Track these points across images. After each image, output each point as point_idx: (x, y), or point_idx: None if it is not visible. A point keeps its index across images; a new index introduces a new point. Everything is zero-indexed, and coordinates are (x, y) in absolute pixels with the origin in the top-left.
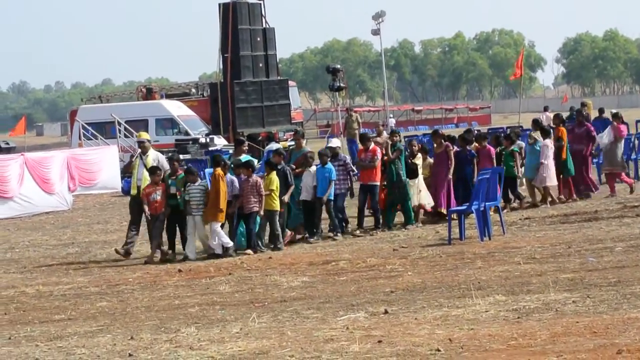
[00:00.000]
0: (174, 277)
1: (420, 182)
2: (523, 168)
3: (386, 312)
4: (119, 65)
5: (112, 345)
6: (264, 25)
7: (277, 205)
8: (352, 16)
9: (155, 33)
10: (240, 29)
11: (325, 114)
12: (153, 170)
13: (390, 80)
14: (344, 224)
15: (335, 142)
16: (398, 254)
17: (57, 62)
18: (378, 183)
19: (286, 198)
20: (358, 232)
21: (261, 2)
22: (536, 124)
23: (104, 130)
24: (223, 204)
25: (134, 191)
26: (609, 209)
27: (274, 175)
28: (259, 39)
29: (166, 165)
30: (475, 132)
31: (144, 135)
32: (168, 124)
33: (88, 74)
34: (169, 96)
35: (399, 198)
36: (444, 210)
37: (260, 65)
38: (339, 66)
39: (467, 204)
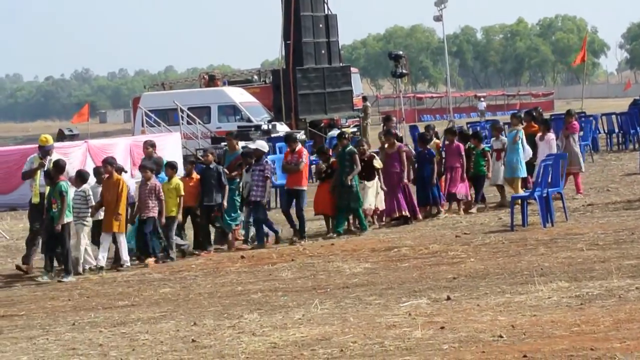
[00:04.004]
0: (236, 263)
1: (377, 184)
2: (502, 167)
3: (449, 298)
4: (181, 52)
5: (176, 331)
6: (326, 12)
7: (175, 212)
8: (414, 2)
9: (217, 20)
10: (303, 16)
11: (387, 101)
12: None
13: (452, 66)
14: (268, 234)
15: (259, 144)
16: (460, 241)
17: (120, 49)
18: (305, 187)
19: (225, 202)
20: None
21: None
22: (516, 117)
23: (167, 117)
24: (123, 210)
25: (35, 199)
26: None
27: (177, 179)
28: (321, 25)
29: (70, 172)
30: (453, 127)
31: (45, 138)
32: (230, 110)
33: (151, 61)
34: (232, 83)
35: (349, 203)
36: (406, 214)
37: (323, 51)
38: (401, 53)
39: (531, 191)
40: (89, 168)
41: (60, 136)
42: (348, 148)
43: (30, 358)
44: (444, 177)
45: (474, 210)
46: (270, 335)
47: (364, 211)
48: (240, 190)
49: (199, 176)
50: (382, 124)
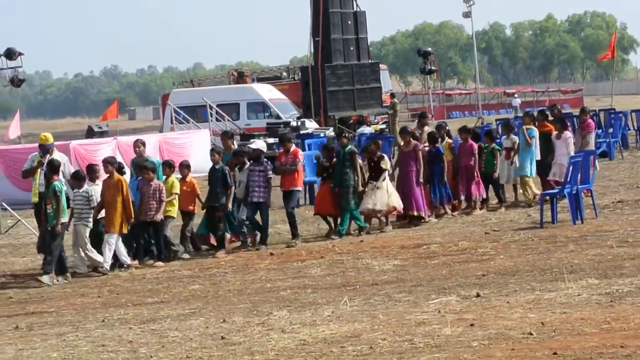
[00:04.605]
0: (265, 260)
1: (388, 184)
2: (513, 166)
3: (478, 295)
4: (210, 49)
5: (205, 328)
6: (355, 9)
7: (173, 212)
8: None
9: (246, 16)
10: (331, 12)
11: (416, 97)
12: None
13: (481, 63)
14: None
15: (258, 144)
16: (490, 238)
17: (149, 46)
18: (300, 188)
19: (229, 204)
20: (293, 241)
21: None
22: (528, 116)
23: (196, 114)
24: (130, 211)
25: (35, 198)
26: None
27: (174, 178)
28: (349, 22)
29: (71, 168)
30: (466, 126)
31: (45, 136)
32: (259, 107)
33: (179, 58)
34: (260, 80)
35: (341, 203)
36: (422, 214)
37: (351, 48)
38: (430, 49)
39: (560, 188)
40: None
41: (90, 133)
42: (347, 147)
43: (60, 354)
44: (458, 176)
45: (502, 209)
46: (300, 332)
47: (373, 213)
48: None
49: (194, 180)
50: (417, 121)
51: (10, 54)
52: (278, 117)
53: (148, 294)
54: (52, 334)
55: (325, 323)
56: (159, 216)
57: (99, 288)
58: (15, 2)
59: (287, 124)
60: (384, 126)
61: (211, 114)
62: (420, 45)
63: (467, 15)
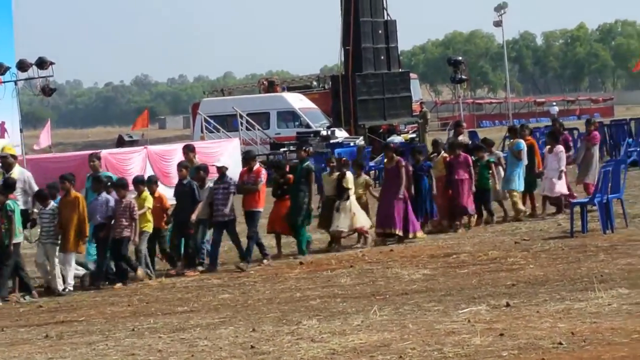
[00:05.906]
0: (295, 269)
1: (352, 203)
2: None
3: (508, 305)
4: (240, 58)
5: (234, 337)
6: (385, 18)
7: (149, 227)
8: (473, 8)
9: (276, 25)
10: (362, 22)
11: (446, 106)
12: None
13: (512, 72)
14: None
15: (222, 162)
16: (520, 247)
17: (180, 55)
18: (261, 209)
19: (194, 216)
20: (242, 264)
21: None
22: (512, 132)
23: (226, 123)
24: (86, 230)
25: None
26: None
27: (146, 194)
28: (380, 31)
29: (34, 186)
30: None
31: (8, 150)
32: (289, 116)
33: (210, 67)
34: (291, 89)
35: (293, 221)
36: (399, 232)
37: (382, 57)
38: (460, 58)
39: (590, 197)
40: (149, 174)
41: (120, 142)
42: (305, 164)
43: None
44: (450, 190)
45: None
46: (329, 341)
47: (338, 234)
48: None
49: (163, 196)
50: (452, 130)
51: (41, 63)
52: (308, 126)
53: (178, 303)
54: (82, 342)
55: (355, 332)
56: (136, 238)
57: (129, 297)
58: (47, 12)
59: (317, 133)
60: (414, 135)
61: (241, 123)
62: (450, 54)
63: (497, 24)
